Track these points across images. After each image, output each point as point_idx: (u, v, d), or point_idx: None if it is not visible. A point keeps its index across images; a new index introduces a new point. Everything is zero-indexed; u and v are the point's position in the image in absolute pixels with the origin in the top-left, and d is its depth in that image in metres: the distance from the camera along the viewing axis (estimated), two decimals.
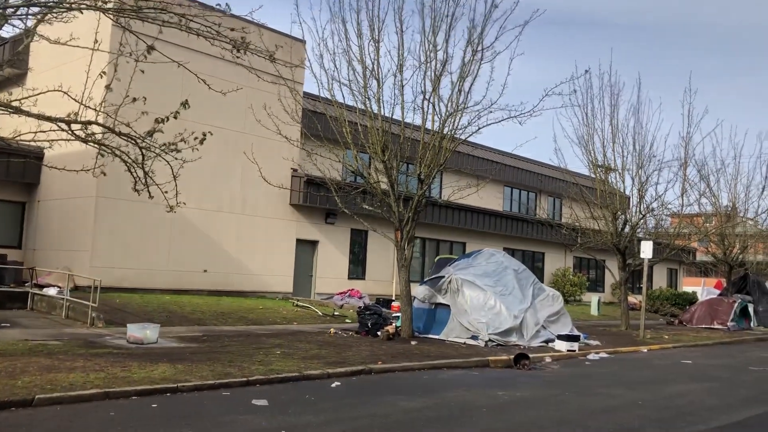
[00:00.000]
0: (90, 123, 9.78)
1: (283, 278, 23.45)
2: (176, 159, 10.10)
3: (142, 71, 9.19)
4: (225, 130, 20.84)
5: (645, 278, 22.25)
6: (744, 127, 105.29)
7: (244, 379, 9.60)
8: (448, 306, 16.99)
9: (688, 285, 46.37)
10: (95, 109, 9.75)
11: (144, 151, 10.19)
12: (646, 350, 18.18)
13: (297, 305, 20.92)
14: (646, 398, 10.24)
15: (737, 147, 44.09)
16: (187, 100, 9.55)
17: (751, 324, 29.35)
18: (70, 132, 9.85)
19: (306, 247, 24.44)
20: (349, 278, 25.72)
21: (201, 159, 13.31)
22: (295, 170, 22.72)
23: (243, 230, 22.22)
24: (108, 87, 9.59)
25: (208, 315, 17.54)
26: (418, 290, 18.01)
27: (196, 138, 9.74)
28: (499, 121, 16.13)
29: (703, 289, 42.19)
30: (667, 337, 21.96)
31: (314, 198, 23.16)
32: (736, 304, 28.31)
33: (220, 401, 8.39)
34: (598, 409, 9.16)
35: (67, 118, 9.68)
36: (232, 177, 21.78)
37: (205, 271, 21.15)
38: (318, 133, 17.37)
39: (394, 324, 16.58)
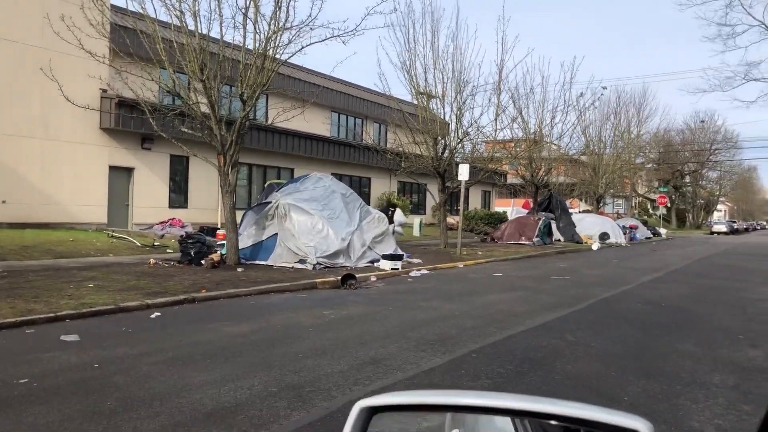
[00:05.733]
0: None
1: (96, 208, 21.85)
2: None
3: None
4: (18, 44, 18.53)
5: (462, 200, 23.53)
6: (550, 56, 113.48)
7: (52, 314, 8.82)
8: (276, 232, 16.84)
9: (500, 205, 49.91)
10: None
11: None
12: (462, 266, 19.39)
13: (113, 236, 19.65)
14: (462, 309, 10.93)
15: (545, 75, 47.36)
16: None
17: (554, 239, 32.40)
18: None
19: (121, 175, 22.85)
20: (171, 207, 24.56)
21: None
22: (104, 90, 20.86)
23: (47, 157, 20.21)
24: None
25: (8, 249, 15.92)
26: (245, 218, 17.62)
27: None
28: (323, 40, 15.77)
29: (512, 208, 45.55)
30: (481, 253, 23.59)
31: (128, 121, 21.53)
32: (540, 222, 31.04)
33: (24, 339, 7.67)
34: (419, 321, 9.60)
35: None
36: (29, 98, 19.53)
37: (4, 202, 19.12)
38: (129, 50, 15.93)
39: (219, 252, 16.14)
